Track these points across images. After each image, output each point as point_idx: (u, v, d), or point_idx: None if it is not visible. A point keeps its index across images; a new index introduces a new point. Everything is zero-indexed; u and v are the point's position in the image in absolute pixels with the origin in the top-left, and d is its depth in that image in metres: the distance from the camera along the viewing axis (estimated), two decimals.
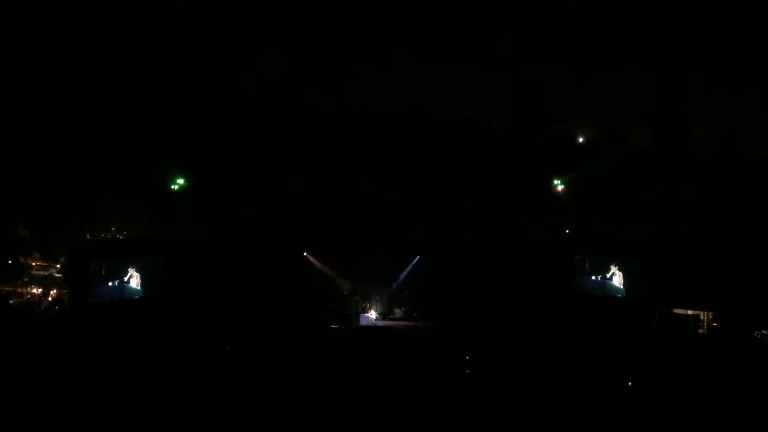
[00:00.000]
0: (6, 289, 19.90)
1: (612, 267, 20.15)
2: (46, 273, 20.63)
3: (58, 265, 20.72)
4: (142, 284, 19.50)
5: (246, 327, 18.71)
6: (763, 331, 17.43)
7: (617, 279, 20.01)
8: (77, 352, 15.22)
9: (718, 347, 16.48)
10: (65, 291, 19.86)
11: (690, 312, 18.82)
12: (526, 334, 18.15)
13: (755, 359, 15.16)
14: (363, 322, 20.96)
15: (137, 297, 19.32)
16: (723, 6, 24.31)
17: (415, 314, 21.73)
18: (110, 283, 18.95)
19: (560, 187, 22.87)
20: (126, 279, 19.25)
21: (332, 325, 20.67)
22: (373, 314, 21.58)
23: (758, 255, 18.41)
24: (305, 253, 22.34)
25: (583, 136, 25.59)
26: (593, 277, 20.45)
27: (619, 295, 19.85)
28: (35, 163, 20.78)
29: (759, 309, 17.52)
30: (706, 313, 18.61)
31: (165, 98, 23.03)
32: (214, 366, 14.81)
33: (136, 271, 19.45)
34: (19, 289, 20.07)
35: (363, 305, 22.03)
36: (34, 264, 20.83)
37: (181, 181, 21.11)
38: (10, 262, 20.53)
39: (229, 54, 24.97)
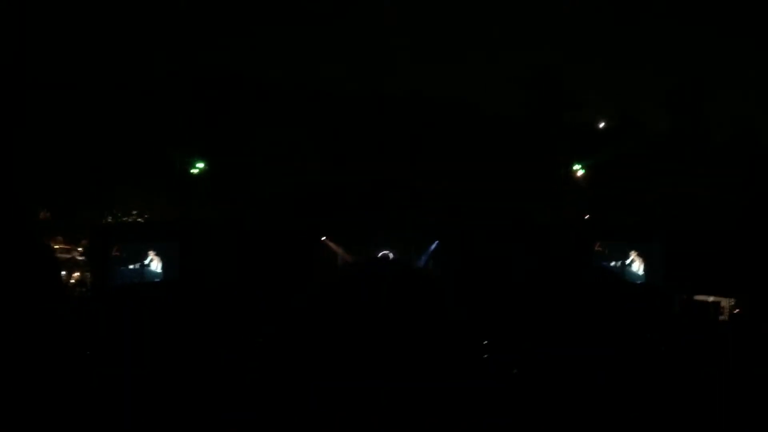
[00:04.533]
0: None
1: (632, 253, 20.10)
2: (69, 256, 20.86)
3: (80, 249, 20.95)
4: (163, 267, 19.71)
5: (261, 311, 18.75)
6: None
7: (636, 265, 19.96)
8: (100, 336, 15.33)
9: (739, 333, 16.36)
10: (87, 274, 20.08)
11: (711, 298, 18.73)
12: (543, 322, 18.13)
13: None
14: None
15: (157, 280, 19.54)
16: None
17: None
18: (131, 266, 19.19)
19: (580, 173, 22.80)
20: (147, 262, 19.46)
21: None
22: None
23: None
24: (324, 238, 22.40)
25: (602, 122, 25.48)
26: (613, 264, 20.39)
27: (639, 282, 19.79)
28: (57, 147, 20.99)
29: None
30: (727, 299, 18.53)
31: (185, 83, 23.14)
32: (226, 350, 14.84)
33: (157, 254, 19.67)
34: None
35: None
36: (57, 247, 21.06)
37: (200, 164, 21.24)
38: None
39: (245, 39, 25.06)
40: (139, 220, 21.84)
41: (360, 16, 26.00)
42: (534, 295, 20.00)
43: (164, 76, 23.40)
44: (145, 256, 19.46)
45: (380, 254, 21.86)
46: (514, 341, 15.04)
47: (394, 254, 22.10)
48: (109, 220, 21.17)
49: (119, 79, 22.41)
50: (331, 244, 22.44)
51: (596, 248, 20.61)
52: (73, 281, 20.34)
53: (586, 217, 22.78)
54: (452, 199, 22.87)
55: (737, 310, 18.16)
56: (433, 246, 22.56)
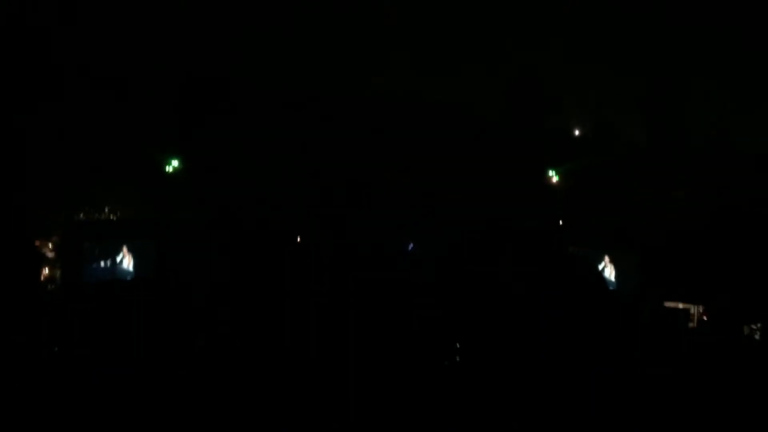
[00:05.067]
0: None
1: (605, 259, 20.24)
2: (39, 252, 20.59)
3: (50, 244, 20.69)
4: (135, 265, 19.57)
5: (237, 311, 18.62)
6: (752, 326, 17.52)
7: (609, 271, 20.09)
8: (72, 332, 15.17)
9: (707, 341, 16.54)
10: (58, 270, 19.85)
11: (681, 305, 18.90)
12: (516, 326, 18.19)
13: (744, 353, 15.23)
14: None
15: (129, 278, 19.39)
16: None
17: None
18: (102, 264, 19.02)
19: (555, 179, 22.92)
20: (118, 260, 19.31)
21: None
22: None
23: (750, 250, 18.53)
24: (299, 239, 22.34)
25: (578, 129, 25.66)
26: None
27: (611, 288, 19.91)
28: (30, 143, 20.75)
29: (749, 304, 17.62)
30: (696, 306, 18.71)
31: (160, 80, 22.97)
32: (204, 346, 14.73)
33: (129, 251, 19.52)
34: None
35: None
36: None
37: (175, 163, 21.08)
38: None
39: (224, 37, 24.92)
40: (112, 217, 21.64)
41: (346, 17, 26.00)
42: (503, 299, 20.16)
43: (142, 71, 23.20)
44: (118, 254, 19.32)
45: None
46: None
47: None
48: (81, 217, 20.94)
49: (93, 72, 22.19)
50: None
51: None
52: (43, 278, 20.10)
53: (560, 223, 22.90)
54: (432, 200, 22.94)
55: (705, 318, 18.37)
56: (410, 247, 22.61)
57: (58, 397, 9.33)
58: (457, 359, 13.95)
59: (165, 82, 23.08)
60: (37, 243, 20.93)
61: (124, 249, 19.48)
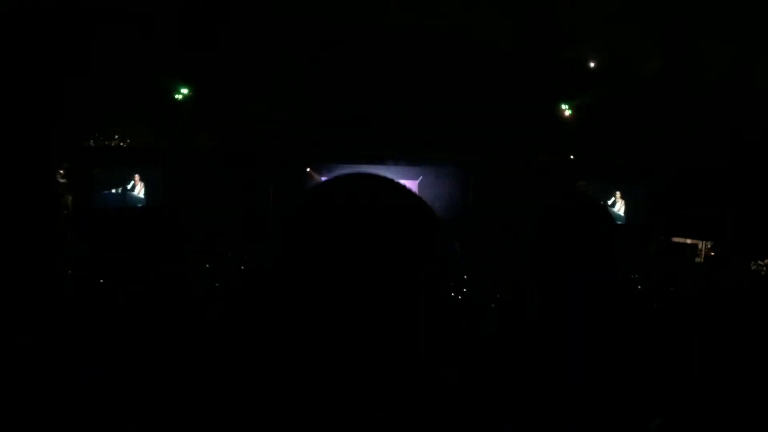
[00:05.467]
0: None
1: (616, 194, 20.22)
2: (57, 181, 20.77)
3: (61, 171, 20.81)
4: (146, 193, 19.69)
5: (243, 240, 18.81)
6: (759, 262, 17.62)
7: (618, 206, 20.10)
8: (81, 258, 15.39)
9: (713, 276, 16.65)
10: (69, 196, 20.02)
11: (689, 241, 18.98)
12: (524, 257, 18.33)
13: (749, 289, 15.33)
14: None
15: (140, 206, 19.55)
16: None
17: None
18: (113, 191, 19.15)
19: (568, 113, 22.67)
20: (129, 187, 19.42)
21: None
22: None
23: (760, 188, 18.44)
24: (308, 169, 22.37)
25: (593, 61, 25.21)
26: None
27: (620, 222, 19.96)
28: (37, 70, 20.61)
29: (757, 241, 17.66)
30: (704, 242, 18.79)
31: (170, 5, 22.61)
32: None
33: (140, 179, 19.62)
34: None
35: None
36: None
37: (185, 90, 20.93)
38: None
39: None
40: (122, 144, 21.65)
41: None
42: (514, 231, 20.27)
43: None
44: (128, 182, 19.41)
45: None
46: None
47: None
48: (91, 143, 20.96)
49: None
50: (315, 175, 22.44)
51: (579, 187, 20.73)
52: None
53: (572, 157, 22.76)
54: (440, 131, 22.81)
55: (712, 253, 18.47)
56: (418, 180, 22.64)
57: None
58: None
59: (175, 7, 22.73)
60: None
61: (136, 177, 19.57)
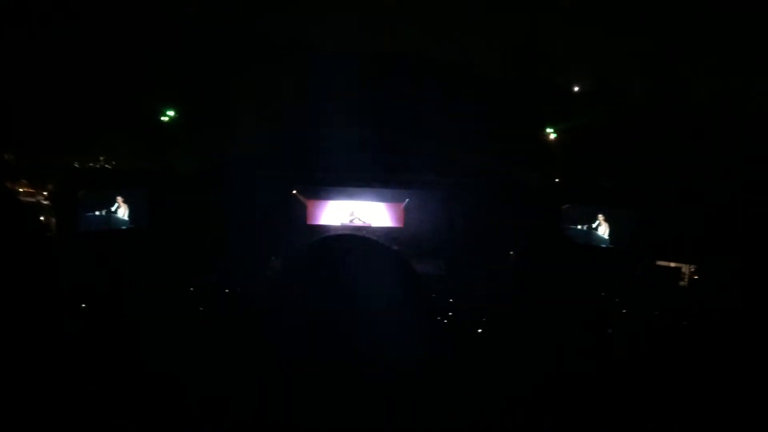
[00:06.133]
0: None
1: (599, 217, 20.31)
2: (33, 200, 20.60)
3: (45, 192, 20.70)
4: (130, 215, 19.60)
5: (230, 262, 18.68)
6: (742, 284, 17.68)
7: (602, 229, 20.18)
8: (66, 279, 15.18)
9: (698, 300, 16.70)
10: (52, 218, 19.87)
11: (672, 264, 19.06)
12: (510, 278, 18.35)
13: (733, 311, 15.38)
14: None
15: (124, 228, 19.44)
16: None
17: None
18: (97, 213, 19.05)
19: (553, 136, 22.83)
20: (114, 209, 19.33)
21: None
22: None
23: (745, 211, 18.58)
24: (294, 192, 22.34)
25: (578, 85, 25.47)
26: (579, 227, 20.61)
27: (604, 245, 20.05)
28: (24, 90, 20.56)
29: (740, 264, 17.75)
30: (688, 266, 18.87)
31: (156, 28, 22.67)
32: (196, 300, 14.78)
33: (124, 201, 19.53)
34: None
35: None
36: (21, 190, 20.77)
37: (171, 112, 20.91)
38: None
39: None
40: (107, 166, 21.58)
41: None
42: (500, 252, 20.31)
43: (140, 17, 22.89)
44: (112, 203, 19.32)
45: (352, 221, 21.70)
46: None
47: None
48: (76, 165, 20.88)
49: (89, 20, 21.89)
50: (302, 198, 22.43)
51: (565, 211, 20.85)
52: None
53: (557, 180, 22.88)
54: (427, 156, 22.90)
55: (696, 277, 18.54)
56: (404, 203, 22.66)
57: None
58: None
59: (162, 29, 22.79)
60: (28, 189, 20.97)
61: (119, 199, 19.48)
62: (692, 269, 18.77)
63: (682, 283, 18.75)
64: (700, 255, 18.52)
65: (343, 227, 22.70)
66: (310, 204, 22.68)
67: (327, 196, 22.75)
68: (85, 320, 11.98)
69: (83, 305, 12.31)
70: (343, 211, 22.83)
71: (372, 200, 22.87)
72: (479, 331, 12.13)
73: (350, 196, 22.85)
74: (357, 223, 22.70)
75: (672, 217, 18.71)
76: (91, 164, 21.35)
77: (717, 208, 18.96)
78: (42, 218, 20.28)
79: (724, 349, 11.52)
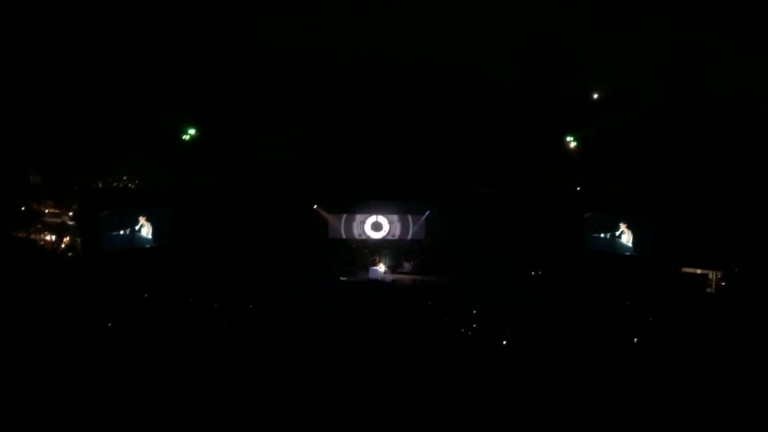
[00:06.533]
0: (20, 235, 20.18)
1: (621, 225, 20.16)
2: (59, 220, 20.88)
3: (70, 213, 20.95)
4: (153, 233, 19.80)
5: (253, 279, 18.70)
6: None
7: (626, 237, 20.01)
8: (93, 299, 15.33)
9: (725, 306, 16.46)
10: (78, 239, 20.12)
11: (699, 271, 18.81)
12: (534, 290, 18.25)
13: (762, 318, 15.14)
14: (372, 275, 21.07)
15: (148, 246, 19.63)
16: None
17: (422, 268, 21.87)
18: (121, 232, 19.25)
19: (573, 144, 22.71)
20: (137, 228, 19.53)
21: (341, 278, 20.83)
22: (382, 267, 21.71)
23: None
24: (315, 206, 22.44)
25: (597, 92, 25.32)
26: (602, 235, 20.47)
27: (628, 253, 19.88)
28: (49, 112, 20.86)
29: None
30: (714, 272, 18.61)
31: (177, 47, 22.91)
32: (222, 319, 14.83)
33: (147, 220, 19.73)
34: (33, 236, 20.34)
35: (372, 258, 22.23)
36: (47, 211, 21.07)
37: (192, 131, 21.08)
38: (23, 208, 20.77)
39: (242, 3, 24.75)
40: (130, 185, 21.80)
41: None
42: (523, 263, 20.25)
43: (159, 38, 23.14)
44: (136, 222, 19.52)
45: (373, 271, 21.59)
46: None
47: (409, 265, 22.31)
48: (100, 186, 21.10)
49: (111, 42, 22.17)
50: (323, 212, 22.52)
51: (586, 219, 20.73)
52: (63, 246, 20.39)
53: (578, 188, 22.71)
54: (448, 167, 22.89)
55: (723, 284, 18.27)
56: (425, 215, 22.67)
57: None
58: None
59: (180, 50, 23.03)
60: (54, 210, 21.26)
61: (142, 218, 19.69)
62: (719, 276, 18.52)
63: (708, 290, 18.50)
64: (726, 261, 18.27)
65: (364, 239, 22.77)
66: (331, 218, 22.76)
67: (347, 210, 22.83)
68: (112, 338, 12.03)
69: (109, 324, 12.42)
70: (363, 225, 22.91)
71: (393, 213, 22.92)
72: (504, 342, 12.09)
73: (371, 210, 22.92)
74: (378, 235, 22.75)
75: (696, 224, 18.48)
76: (114, 184, 21.58)
77: (741, 214, 18.71)
78: (68, 239, 20.59)
79: (750, 354, 11.33)
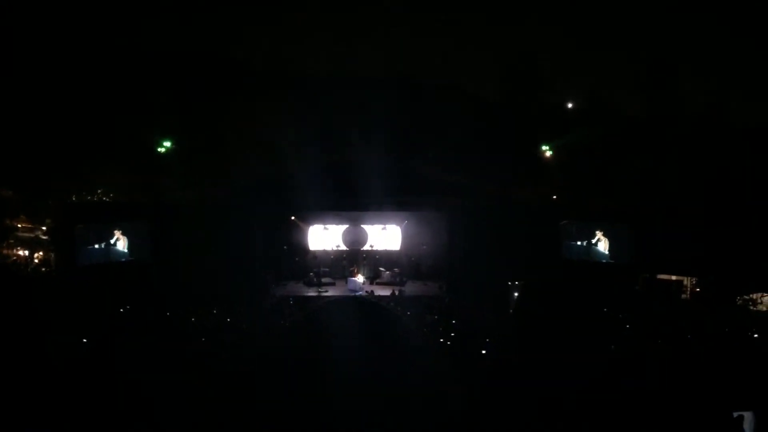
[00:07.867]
0: None
1: (597, 233, 20.33)
2: (32, 235, 20.59)
3: (44, 227, 20.68)
4: (129, 247, 19.54)
5: (232, 291, 18.55)
6: (744, 297, 17.69)
7: (602, 245, 20.18)
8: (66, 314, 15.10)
9: (699, 312, 16.67)
10: (51, 253, 19.83)
11: (674, 277, 19.04)
12: (511, 298, 18.32)
13: (735, 324, 15.36)
14: (350, 285, 21.02)
15: (124, 260, 19.35)
16: None
17: (400, 278, 21.89)
18: (96, 246, 18.97)
19: (548, 154, 22.90)
20: (112, 242, 19.27)
21: (318, 290, 20.77)
22: (360, 278, 21.67)
23: (742, 223, 18.63)
24: (293, 218, 22.35)
25: (572, 103, 25.62)
26: (578, 243, 20.63)
27: (604, 261, 20.04)
28: (21, 126, 20.61)
29: (741, 275, 17.76)
30: (689, 279, 18.84)
31: (152, 61, 22.81)
32: (200, 332, 14.69)
33: (123, 234, 19.47)
34: (5, 251, 20.04)
35: (350, 269, 22.20)
36: (20, 225, 20.78)
37: (167, 143, 20.90)
38: None
39: (218, 18, 24.76)
40: (104, 199, 21.55)
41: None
42: (500, 272, 20.29)
43: (134, 51, 23.03)
44: (111, 236, 19.27)
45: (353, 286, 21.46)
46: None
47: (387, 275, 22.19)
48: (73, 200, 20.85)
49: (85, 54, 22.01)
50: (300, 224, 22.44)
51: (562, 227, 20.85)
52: (36, 261, 20.09)
53: (554, 197, 22.89)
54: (426, 178, 22.93)
55: (698, 290, 18.51)
56: (402, 225, 22.71)
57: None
58: None
59: (159, 62, 22.92)
60: (26, 225, 20.96)
61: (117, 231, 19.44)
62: (693, 282, 18.76)
63: (683, 296, 18.72)
64: (701, 268, 18.50)
65: (342, 250, 22.73)
66: (309, 229, 22.71)
67: (325, 221, 22.77)
68: (86, 354, 11.83)
69: (84, 340, 12.22)
70: (341, 236, 22.89)
71: (371, 223, 22.93)
72: (483, 352, 12.09)
73: (349, 220, 22.89)
74: (356, 246, 22.74)
75: (671, 232, 18.71)
76: (88, 198, 21.32)
77: (715, 221, 18.99)
78: (42, 253, 20.30)
79: (728, 362, 11.46)
